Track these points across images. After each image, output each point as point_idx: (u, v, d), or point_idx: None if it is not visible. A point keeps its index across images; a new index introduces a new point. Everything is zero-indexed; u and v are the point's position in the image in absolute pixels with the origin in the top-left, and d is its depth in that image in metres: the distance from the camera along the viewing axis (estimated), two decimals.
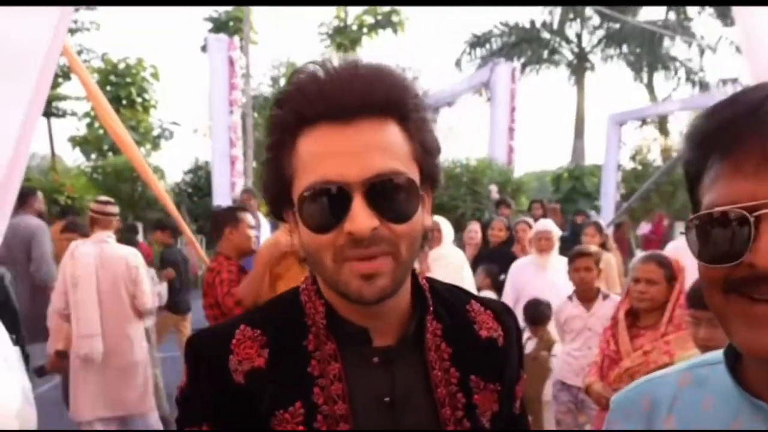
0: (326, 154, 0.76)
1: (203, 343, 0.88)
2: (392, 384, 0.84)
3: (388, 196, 0.76)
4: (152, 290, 4.17)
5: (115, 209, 4.07)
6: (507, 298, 4.34)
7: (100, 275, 3.73)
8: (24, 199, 4.74)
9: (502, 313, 0.98)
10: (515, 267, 4.52)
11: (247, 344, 0.85)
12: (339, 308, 0.85)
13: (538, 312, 3.90)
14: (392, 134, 0.79)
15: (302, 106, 0.78)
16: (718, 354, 0.73)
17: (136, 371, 3.85)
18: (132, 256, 3.92)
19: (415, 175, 0.80)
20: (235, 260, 3.36)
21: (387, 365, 0.85)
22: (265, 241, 3.54)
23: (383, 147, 0.77)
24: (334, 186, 0.76)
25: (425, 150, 0.82)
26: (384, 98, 0.78)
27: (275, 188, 0.84)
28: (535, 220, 6.58)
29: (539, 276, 4.22)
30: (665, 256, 2.70)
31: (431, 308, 0.90)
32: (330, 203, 0.76)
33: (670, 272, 2.59)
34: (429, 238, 0.94)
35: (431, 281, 0.94)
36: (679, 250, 3.58)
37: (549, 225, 4.59)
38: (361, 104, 0.76)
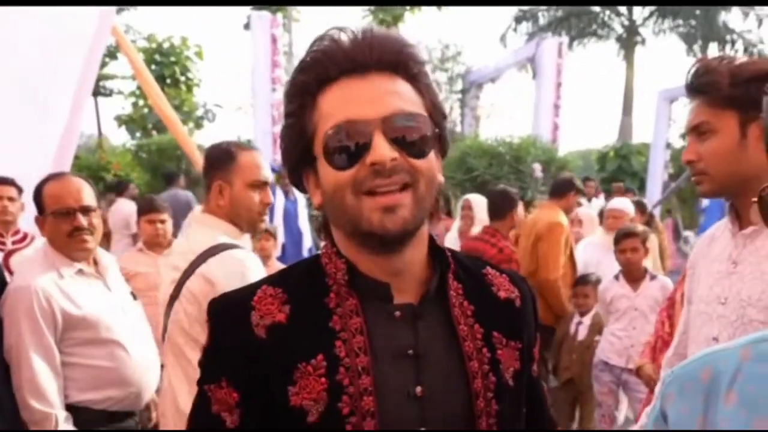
0: (346, 100, 0.83)
1: (225, 301, 0.92)
2: (416, 338, 0.86)
3: (405, 131, 0.82)
4: None
5: None
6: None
7: None
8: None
9: (516, 277, 1.02)
10: (582, 246, 4.43)
11: (268, 301, 0.88)
12: (360, 265, 0.88)
13: (584, 278, 3.85)
14: (403, 86, 0.85)
15: (326, 65, 0.84)
16: None
17: None
18: None
19: (426, 121, 0.85)
20: None
21: (410, 320, 0.87)
22: None
23: (399, 93, 0.84)
24: (355, 123, 0.81)
25: (435, 107, 0.88)
26: (395, 56, 0.85)
27: (296, 149, 0.89)
28: (588, 198, 6.43)
29: (607, 256, 3.93)
30: None
31: (452, 267, 0.93)
32: (352, 140, 0.81)
33: None
34: (439, 206, 0.97)
35: (447, 248, 0.97)
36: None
37: (621, 203, 4.50)
38: (376, 59, 0.84)
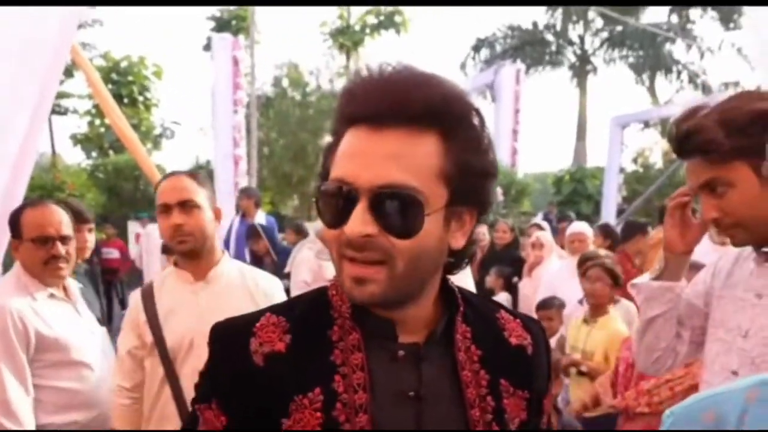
0: (350, 155, 0.79)
1: (227, 327, 0.90)
2: (418, 380, 0.83)
3: (390, 207, 0.76)
4: None
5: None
6: (526, 305, 4.29)
7: None
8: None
9: (531, 323, 0.97)
10: (548, 274, 4.43)
11: (270, 329, 0.86)
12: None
13: (547, 302, 3.87)
14: (421, 146, 0.77)
15: (347, 106, 0.82)
16: None
17: None
18: None
19: (434, 193, 0.78)
20: None
21: (414, 361, 0.84)
22: None
23: (402, 158, 0.77)
24: (344, 186, 0.78)
25: (464, 170, 0.80)
26: (423, 107, 0.76)
27: (321, 176, 0.87)
28: (549, 222, 6.52)
29: (572, 281, 3.87)
30: (699, 263, 2.65)
31: (461, 309, 0.89)
32: (339, 202, 0.78)
33: None
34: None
35: (460, 288, 0.93)
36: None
37: (582, 227, 4.54)
38: (393, 111, 0.76)
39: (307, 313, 0.89)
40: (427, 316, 0.87)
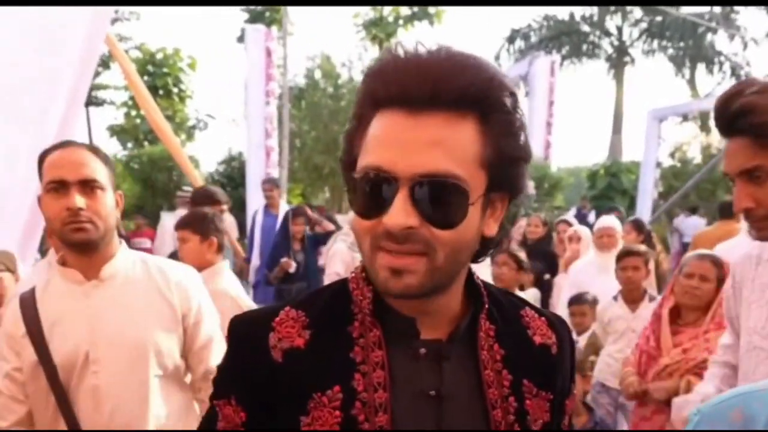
0: (385, 141, 0.74)
1: (245, 320, 0.88)
2: (440, 378, 0.81)
3: (434, 197, 0.73)
4: None
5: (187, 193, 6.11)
6: (561, 301, 4.22)
7: None
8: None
9: (556, 321, 0.95)
10: (574, 270, 4.34)
11: (289, 323, 0.84)
12: (387, 297, 0.82)
13: (580, 297, 3.79)
14: (462, 132, 0.74)
15: (377, 87, 0.76)
16: None
17: None
18: None
19: (476, 180, 0.75)
20: None
21: (435, 359, 0.82)
22: None
23: (445, 145, 0.73)
24: (383, 174, 0.74)
25: (501, 155, 0.77)
26: (461, 91, 0.73)
27: (346, 158, 0.83)
28: (583, 217, 6.40)
29: (600, 277, 3.88)
30: (719, 256, 2.70)
31: (486, 307, 0.87)
32: (376, 191, 0.75)
33: (722, 273, 2.60)
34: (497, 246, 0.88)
35: (486, 283, 0.90)
36: (728, 250, 3.44)
37: (611, 221, 4.42)
38: (433, 95, 0.72)
39: (327, 308, 0.86)
40: (452, 310, 0.85)
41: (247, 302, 2.60)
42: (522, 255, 3.70)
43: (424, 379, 0.81)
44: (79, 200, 1.47)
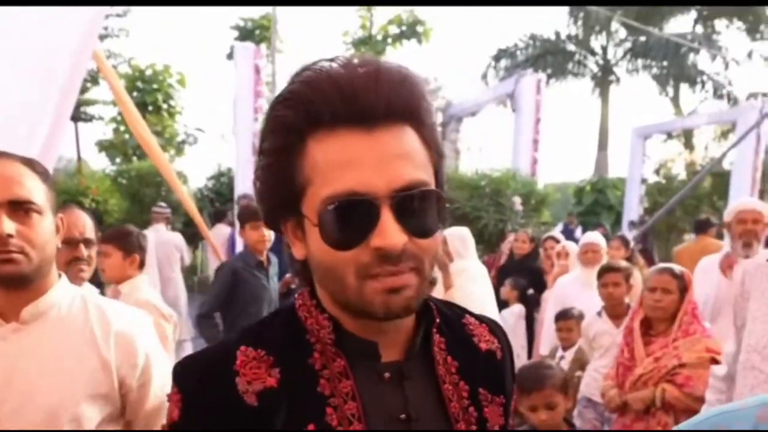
0: (350, 163, 0.71)
1: (197, 369, 0.80)
2: (405, 400, 0.80)
3: (415, 209, 0.72)
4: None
5: (167, 210, 7.15)
6: (548, 317, 4.23)
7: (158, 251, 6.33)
8: (220, 215, 8.06)
9: (495, 326, 0.96)
10: (559, 286, 4.37)
11: (254, 364, 0.78)
12: (344, 323, 0.80)
13: (567, 313, 3.82)
14: (413, 141, 0.75)
15: (317, 106, 0.72)
16: None
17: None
18: (177, 238, 7.05)
19: (434, 184, 0.77)
20: None
21: (398, 381, 0.81)
22: None
23: (409, 155, 0.73)
24: (361, 199, 0.70)
25: (440, 156, 0.79)
26: (407, 103, 0.73)
27: (277, 196, 0.77)
28: (570, 233, 6.45)
29: (585, 293, 3.94)
30: (679, 268, 2.87)
31: (437, 321, 0.86)
32: (356, 217, 0.71)
33: (683, 283, 2.77)
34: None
35: (428, 296, 0.89)
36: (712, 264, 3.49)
37: (596, 237, 4.46)
38: (386, 109, 0.71)
39: (284, 341, 0.81)
40: (407, 329, 0.83)
41: (167, 310, 2.70)
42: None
43: (391, 404, 0.80)
44: (7, 225, 1.20)
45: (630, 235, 7.40)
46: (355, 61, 0.74)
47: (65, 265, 2.10)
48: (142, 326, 1.41)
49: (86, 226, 2.20)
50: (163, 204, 7.42)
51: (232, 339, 0.83)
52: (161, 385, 1.38)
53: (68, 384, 1.25)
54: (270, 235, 3.59)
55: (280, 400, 0.77)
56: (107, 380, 1.30)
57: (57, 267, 1.57)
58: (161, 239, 6.69)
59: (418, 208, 0.72)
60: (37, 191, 1.27)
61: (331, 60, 0.74)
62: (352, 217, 0.71)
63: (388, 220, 0.70)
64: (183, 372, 0.80)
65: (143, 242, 2.94)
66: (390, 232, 0.70)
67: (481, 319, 0.95)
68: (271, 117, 0.76)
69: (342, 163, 0.71)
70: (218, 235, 7.29)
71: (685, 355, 2.62)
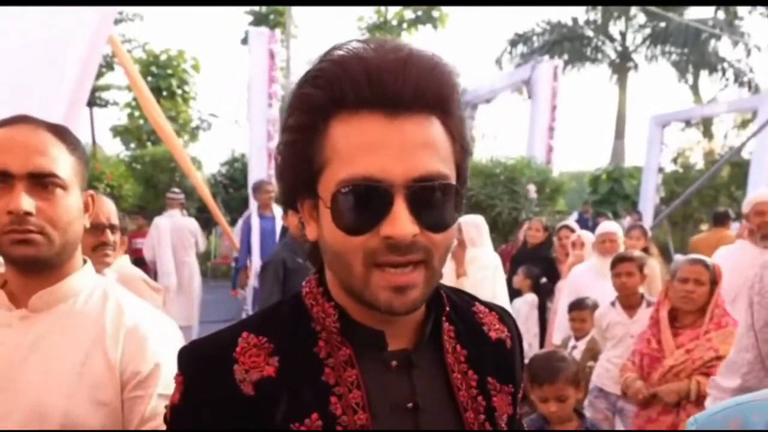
0: (370, 148, 0.69)
1: (199, 353, 0.80)
2: (413, 389, 0.79)
3: (431, 201, 0.71)
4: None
5: (181, 195, 7.11)
6: (562, 307, 4.21)
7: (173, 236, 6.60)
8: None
9: (505, 314, 0.96)
10: (573, 275, 4.34)
11: (253, 352, 0.77)
12: (351, 311, 0.79)
13: (581, 303, 3.80)
14: (438, 132, 0.73)
15: (343, 86, 0.70)
16: None
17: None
18: (192, 223, 7.04)
19: (454, 178, 0.75)
20: None
21: (405, 369, 0.80)
22: None
23: (431, 146, 0.71)
24: (376, 185, 0.69)
25: (464, 150, 0.77)
26: (436, 93, 0.71)
27: (296, 174, 0.76)
28: (585, 222, 6.39)
29: (600, 282, 3.89)
30: (710, 260, 2.84)
31: (447, 309, 0.86)
32: (369, 203, 0.70)
33: (714, 275, 2.73)
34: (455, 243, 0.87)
35: (438, 284, 0.89)
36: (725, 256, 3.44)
37: (614, 227, 4.41)
38: (413, 97, 0.70)
39: (288, 329, 0.80)
40: (417, 316, 0.82)
41: (155, 284, 2.75)
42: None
43: (398, 393, 0.79)
44: (26, 202, 1.05)
45: (626, 222, 7.29)
46: (388, 44, 0.72)
47: (90, 250, 2.11)
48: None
49: (111, 211, 2.23)
50: (177, 189, 7.46)
51: (240, 323, 0.83)
52: (161, 404, 1.11)
53: (67, 386, 1.08)
54: None
55: (279, 389, 0.76)
56: (109, 380, 1.11)
57: (83, 252, 1.37)
58: (176, 224, 6.74)
59: (434, 201, 0.71)
60: (62, 163, 1.10)
61: (365, 42, 0.72)
62: (365, 203, 0.70)
63: (400, 209, 0.69)
64: (186, 355, 0.80)
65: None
66: (401, 221, 0.69)
67: (491, 307, 0.95)
68: (297, 94, 0.75)
69: (361, 146, 0.70)
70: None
71: (721, 347, 2.57)
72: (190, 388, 0.77)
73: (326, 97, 0.71)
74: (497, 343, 0.90)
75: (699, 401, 2.55)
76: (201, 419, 0.76)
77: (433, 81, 0.71)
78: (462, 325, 0.88)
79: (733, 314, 2.75)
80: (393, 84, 0.69)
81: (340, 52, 0.72)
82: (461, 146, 0.77)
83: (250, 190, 8.36)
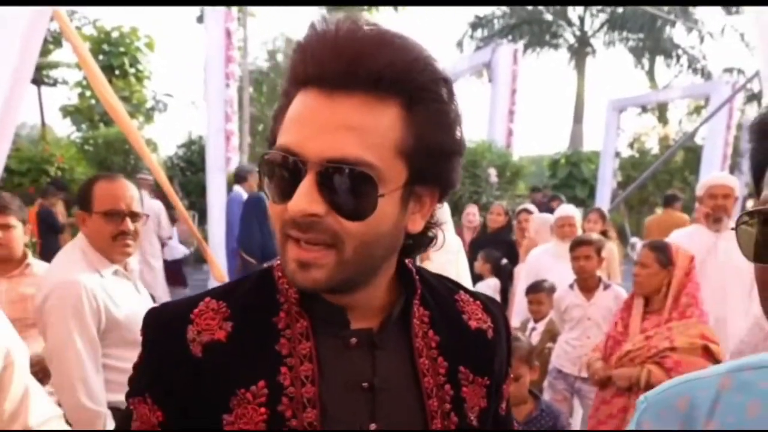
0: (297, 121, 0.70)
1: (161, 313, 0.81)
2: (372, 369, 0.78)
3: (342, 185, 0.68)
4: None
5: (151, 177, 7.04)
6: (520, 289, 4.24)
7: None
8: (241, 177, 6.54)
9: (490, 304, 0.93)
10: (532, 257, 4.37)
11: (209, 315, 0.78)
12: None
13: (537, 285, 3.84)
14: (379, 117, 0.69)
15: (297, 65, 0.72)
16: (763, 357, 0.68)
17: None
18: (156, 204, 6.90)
19: (393, 171, 0.70)
20: None
21: (368, 349, 0.79)
22: None
23: (358, 130, 0.68)
24: (290, 157, 0.69)
25: (425, 146, 0.72)
26: (378, 72, 0.68)
27: (269, 141, 0.78)
28: (537, 206, 6.49)
29: (558, 265, 3.94)
30: (662, 243, 2.83)
31: (419, 292, 0.84)
32: (284, 174, 0.70)
33: (665, 257, 2.70)
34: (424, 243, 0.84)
35: (418, 268, 0.88)
36: (682, 237, 3.52)
37: (572, 210, 4.45)
38: (350, 74, 0.68)
39: (250, 297, 0.81)
40: (380, 300, 0.81)
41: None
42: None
43: (355, 371, 0.77)
44: None
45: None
46: (349, 24, 0.70)
47: (110, 239, 2.03)
48: None
49: (133, 198, 2.08)
50: (146, 171, 7.27)
51: (209, 290, 0.83)
52: (23, 369, 1.31)
53: None
54: None
55: (227, 354, 0.76)
56: None
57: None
58: (146, 208, 6.58)
59: (347, 186, 0.68)
60: None
61: (346, 20, 0.71)
62: (283, 174, 0.71)
63: (306, 186, 0.68)
64: (149, 316, 0.81)
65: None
66: (300, 198, 0.68)
67: (477, 296, 0.92)
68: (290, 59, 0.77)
69: (293, 119, 0.71)
70: (236, 199, 6.63)
71: (678, 338, 2.56)
72: (147, 344, 0.80)
73: (292, 71, 0.74)
74: (476, 332, 0.87)
75: (648, 389, 2.59)
76: (155, 375, 0.77)
77: (376, 59, 0.68)
78: (438, 311, 0.85)
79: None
80: (328, 61, 0.69)
81: (311, 30, 0.72)
82: (418, 139, 0.71)
83: (209, 172, 8.17)
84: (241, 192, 6.44)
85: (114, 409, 1.97)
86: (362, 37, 0.69)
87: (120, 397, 1.94)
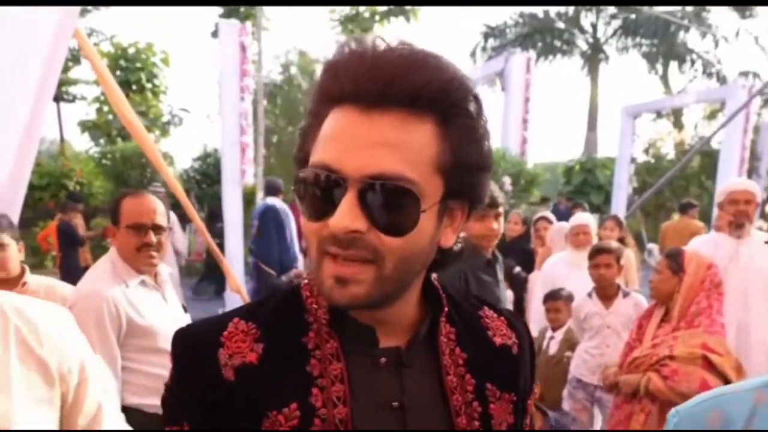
0: (335, 139, 0.70)
1: (190, 335, 0.81)
2: (401, 388, 0.78)
3: (384, 201, 0.68)
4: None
5: (163, 189, 6.84)
6: (536, 298, 4.22)
7: None
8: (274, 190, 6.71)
9: (514, 320, 0.93)
10: (547, 266, 4.35)
11: (240, 337, 0.78)
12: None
13: (555, 293, 3.81)
14: (417, 134, 0.70)
15: (330, 83, 0.72)
16: None
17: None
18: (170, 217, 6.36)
19: (431, 186, 0.71)
20: None
21: (396, 368, 0.79)
22: None
23: (398, 146, 0.68)
24: (330, 173, 0.69)
25: (458, 161, 0.72)
26: (416, 90, 0.68)
27: (298, 158, 0.78)
28: (560, 214, 6.46)
29: (574, 274, 3.94)
30: (676, 250, 2.84)
31: (446, 310, 0.84)
32: (323, 191, 0.70)
33: (676, 264, 2.71)
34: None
35: (444, 286, 0.88)
36: (702, 245, 3.48)
37: (586, 218, 4.43)
38: (385, 92, 0.68)
39: (279, 318, 0.81)
40: (409, 318, 0.81)
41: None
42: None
43: (385, 390, 0.78)
44: None
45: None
46: (385, 43, 0.71)
47: (136, 250, 2.17)
48: (68, 322, 1.32)
49: (157, 211, 2.21)
50: (158, 183, 7.33)
51: (236, 309, 0.83)
52: (97, 384, 1.29)
53: (9, 389, 1.13)
54: (499, 226, 2.71)
55: (260, 377, 0.76)
56: (48, 380, 1.19)
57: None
58: None
59: (388, 202, 0.69)
60: None
61: (365, 39, 0.72)
62: (320, 191, 0.70)
63: (348, 203, 0.68)
64: (178, 337, 0.81)
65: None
66: (342, 215, 0.68)
67: (500, 312, 0.93)
68: (319, 80, 0.77)
69: (329, 136, 0.71)
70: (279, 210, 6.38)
71: (678, 347, 2.57)
72: (180, 369, 0.79)
73: (323, 89, 0.74)
74: (501, 349, 0.88)
75: (652, 397, 2.58)
76: (189, 402, 0.77)
77: (413, 77, 0.68)
78: (464, 328, 0.86)
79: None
80: (365, 79, 0.69)
81: (344, 48, 0.72)
82: (453, 156, 0.72)
83: (225, 184, 8.23)
84: (276, 203, 6.35)
85: (133, 410, 2.06)
86: (398, 57, 0.69)
87: (138, 400, 2.09)
